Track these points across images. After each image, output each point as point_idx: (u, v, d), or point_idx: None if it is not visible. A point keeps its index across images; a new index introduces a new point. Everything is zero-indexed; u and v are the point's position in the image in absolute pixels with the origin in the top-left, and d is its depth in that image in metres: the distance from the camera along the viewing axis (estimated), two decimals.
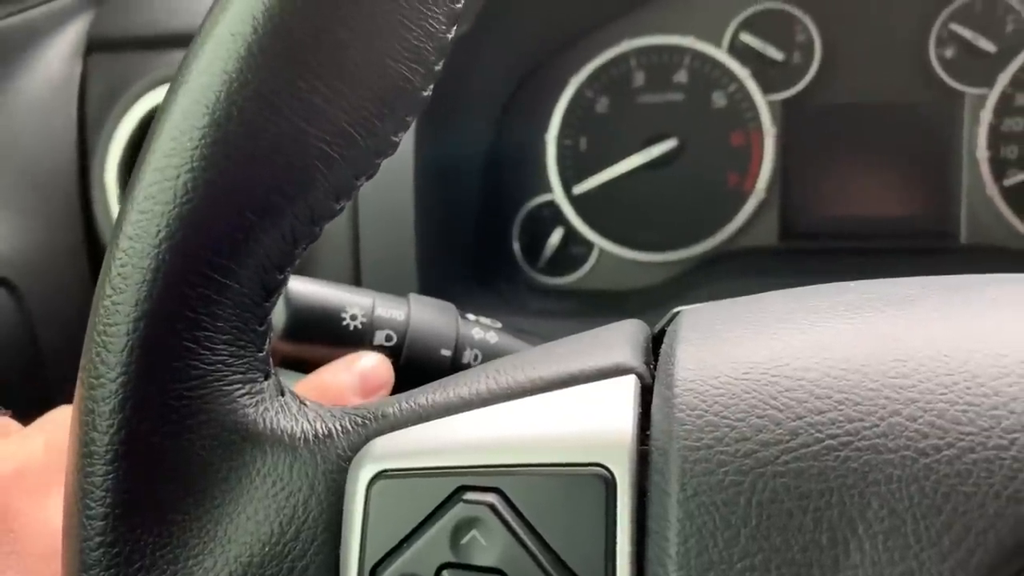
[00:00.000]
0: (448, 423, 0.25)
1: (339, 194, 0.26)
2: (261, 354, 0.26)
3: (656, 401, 0.24)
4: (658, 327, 0.29)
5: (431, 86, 0.26)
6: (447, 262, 0.71)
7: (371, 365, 0.39)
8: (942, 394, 0.21)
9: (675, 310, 0.29)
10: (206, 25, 0.25)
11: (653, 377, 0.25)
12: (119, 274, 0.25)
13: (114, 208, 0.67)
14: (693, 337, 0.25)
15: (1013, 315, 0.24)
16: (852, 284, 0.28)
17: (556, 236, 0.77)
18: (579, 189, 0.76)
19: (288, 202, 0.25)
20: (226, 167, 0.24)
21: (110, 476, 0.24)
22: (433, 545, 0.23)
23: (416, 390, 0.27)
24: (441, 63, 0.26)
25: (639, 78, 0.76)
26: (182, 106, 0.25)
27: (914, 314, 0.24)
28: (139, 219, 0.25)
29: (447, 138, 0.71)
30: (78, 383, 0.25)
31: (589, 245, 0.76)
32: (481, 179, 0.77)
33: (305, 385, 0.38)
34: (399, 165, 0.64)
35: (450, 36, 0.26)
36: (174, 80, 0.25)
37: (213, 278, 0.25)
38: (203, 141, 0.24)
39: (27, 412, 0.40)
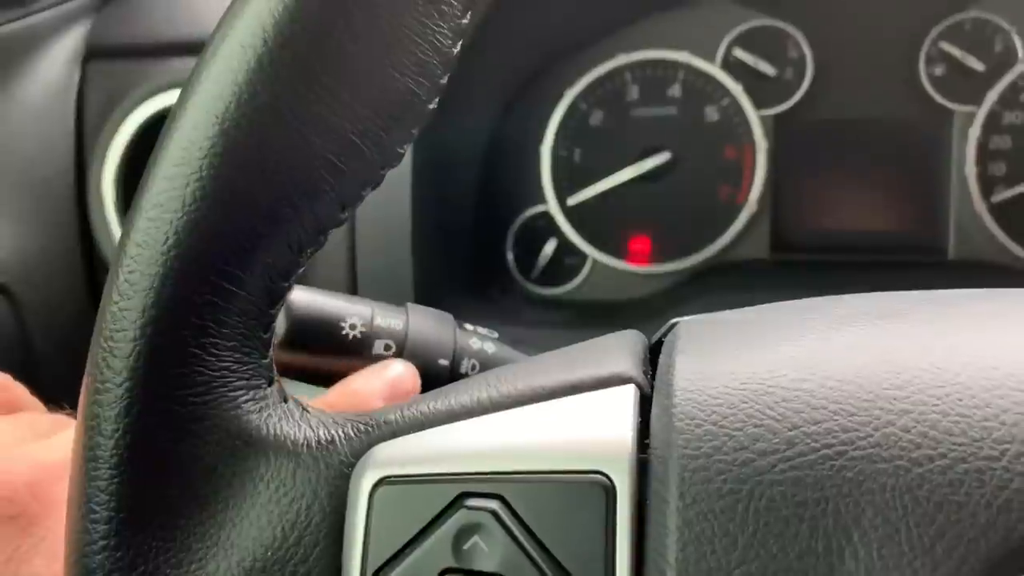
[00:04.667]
0: (450, 430, 0.25)
1: (345, 204, 0.26)
2: (265, 361, 0.27)
3: (655, 410, 0.24)
4: (655, 337, 0.29)
5: (436, 99, 0.27)
6: (442, 272, 0.71)
7: (398, 373, 0.40)
8: (935, 405, 0.22)
9: (672, 321, 0.29)
10: (217, 36, 0.25)
11: (652, 387, 0.26)
12: (127, 280, 0.25)
13: (111, 216, 0.67)
14: (691, 348, 0.26)
15: (1004, 329, 0.24)
16: (847, 297, 0.29)
17: (550, 247, 0.77)
18: (573, 200, 0.76)
19: (295, 212, 0.25)
20: (235, 177, 0.24)
21: (115, 480, 0.24)
22: (435, 551, 0.24)
23: (417, 397, 0.27)
24: (446, 77, 0.26)
25: (633, 92, 0.76)
26: (192, 115, 0.25)
27: (907, 327, 0.25)
28: (147, 226, 0.25)
29: (443, 149, 0.71)
30: (83, 388, 0.25)
31: (582, 256, 0.77)
32: (476, 190, 0.77)
33: (336, 391, 0.39)
34: (396, 177, 0.64)
35: (456, 51, 0.26)
36: (184, 89, 0.26)
37: (220, 285, 0.25)
38: (212, 151, 0.24)
39: None
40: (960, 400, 0.22)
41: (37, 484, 0.33)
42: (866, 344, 0.24)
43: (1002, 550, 0.20)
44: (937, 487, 0.21)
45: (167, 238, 0.24)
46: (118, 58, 0.68)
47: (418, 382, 0.40)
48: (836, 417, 0.22)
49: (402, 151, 0.27)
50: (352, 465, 0.25)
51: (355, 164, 0.26)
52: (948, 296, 0.27)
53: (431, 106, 0.26)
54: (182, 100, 0.25)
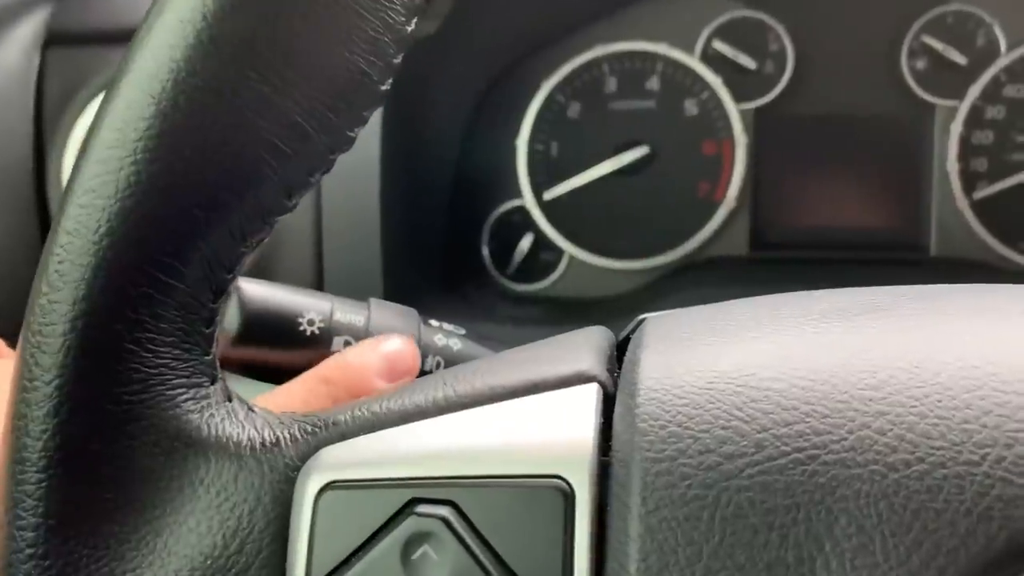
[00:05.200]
0: (401, 432, 0.24)
1: (291, 191, 0.25)
2: (207, 357, 0.25)
3: (619, 410, 0.23)
4: (623, 334, 0.28)
5: (390, 80, 0.25)
6: (414, 267, 0.70)
7: (397, 348, 0.37)
8: (912, 407, 0.21)
9: (641, 317, 0.28)
10: (153, 11, 0.24)
11: (617, 386, 0.24)
12: (56, 271, 0.23)
13: None
14: (658, 345, 0.25)
15: (984, 326, 0.23)
16: (820, 293, 0.28)
17: (526, 242, 0.76)
18: (550, 195, 0.75)
19: (237, 198, 0.24)
20: (172, 160, 0.23)
21: (43, 484, 0.23)
22: (382, 560, 0.22)
23: (370, 397, 0.26)
24: (400, 56, 0.25)
25: (611, 84, 0.75)
26: (126, 95, 0.23)
27: (884, 324, 0.24)
28: (79, 213, 0.23)
29: (416, 140, 0.70)
30: (11, 385, 0.24)
31: (559, 252, 0.76)
32: (450, 183, 0.76)
33: (330, 364, 0.36)
34: (365, 167, 0.63)
35: (410, 28, 0.25)
36: (119, 68, 0.24)
37: (156, 277, 0.24)
38: (148, 132, 0.23)
39: None
40: (939, 401, 0.21)
41: None
42: (841, 341, 0.23)
43: (982, 560, 0.19)
44: (914, 494, 0.20)
45: (99, 226, 0.23)
46: (79, 44, 0.66)
47: (418, 360, 0.38)
48: (808, 419, 0.21)
49: (353, 135, 0.25)
50: (298, 468, 0.24)
51: (301, 148, 0.24)
52: (928, 291, 0.26)
53: (384, 87, 0.25)
54: (117, 78, 0.24)
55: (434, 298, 0.70)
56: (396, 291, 0.64)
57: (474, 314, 0.71)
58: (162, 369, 0.24)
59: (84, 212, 0.23)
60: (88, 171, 0.24)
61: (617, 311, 0.71)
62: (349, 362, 0.36)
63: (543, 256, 0.76)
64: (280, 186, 0.24)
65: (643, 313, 0.28)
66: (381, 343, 0.37)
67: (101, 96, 0.65)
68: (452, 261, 0.76)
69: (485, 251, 0.77)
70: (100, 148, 0.23)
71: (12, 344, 0.41)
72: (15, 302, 0.64)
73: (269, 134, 0.24)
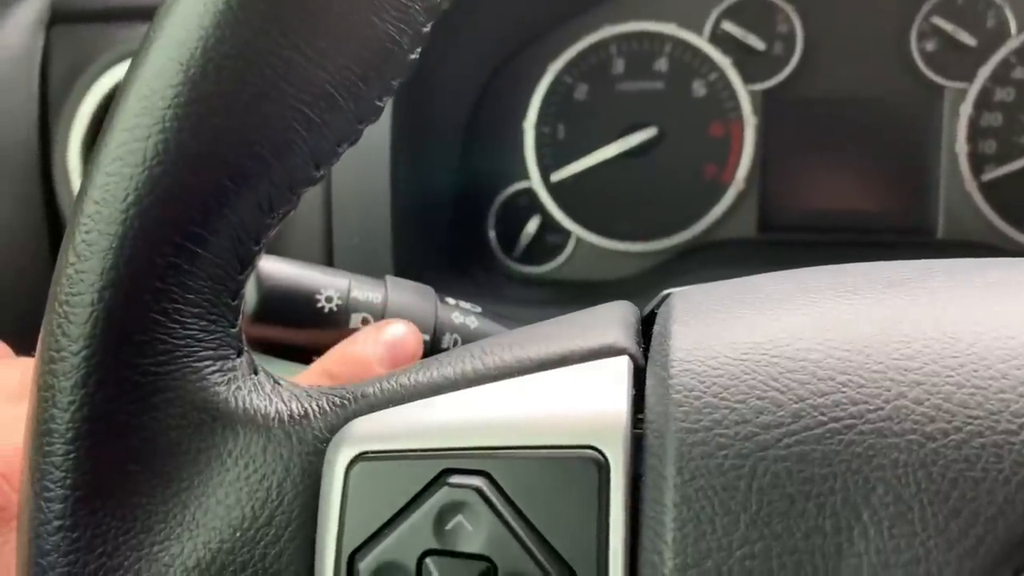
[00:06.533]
0: (432, 403, 0.24)
1: (319, 161, 0.25)
2: (234, 330, 0.25)
3: (650, 382, 0.23)
4: (647, 309, 0.28)
5: (419, 49, 0.25)
6: (422, 249, 0.70)
7: (399, 335, 0.37)
8: (949, 376, 0.21)
9: (665, 292, 0.28)
10: None
11: (646, 359, 0.24)
12: (84, 240, 0.23)
13: (76, 186, 0.65)
14: (688, 317, 0.25)
15: (1017, 297, 0.23)
16: (848, 266, 0.27)
17: (533, 224, 0.76)
18: (557, 177, 0.75)
19: (265, 167, 0.24)
20: (200, 128, 0.23)
21: (70, 456, 0.23)
22: (416, 531, 0.22)
23: (398, 370, 0.26)
24: (430, 25, 0.25)
25: (619, 65, 0.75)
26: (154, 63, 0.23)
27: (918, 295, 0.24)
28: (106, 182, 0.23)
29: (424, 122, 0.69)
30: (36, 357, 0.24)
31: (566, 234, 0.75)
32: (458, 165, 0.76)
33: (333, 357, 0.36)
34: (375, 149, 0.62)
35: None
36: (146, 36, 0.24)
37: (184, 246, 0.23)
38: (176, 100, 0.23)
39: None
40: (975, 371, 0.21)
41: (16, 474, 0.31)
42: (874, 312, 0.23)
43: (1021, 529, 0.19)
44: (952, 463, 0.20)
45: (127, 195, 0.23)
46: (84, 22, 0.66)
47: (419, 345, 0.38)
48: (845, 389, 0.21)
49: (381, 104, 0.25)
50: (327, 440, 0.24)
51: (330, 117, 0.24)
52: (959, 264, 0.26)
53: (412, 56, 0.25)
54: (144, 46, 0.24)
55: (441, 280, 0.70)
56: (405, 273, 0.63)
57: (481, 296, 0.70)
58: (188, 340, 0.24)
59: (112, 181, 0.23)
60: (116, 139, 0.23)
61: (624, 293, 0.70)
62: (352, 353, 0.36)
63: (550, 238, 0.76)
64: (308, 156, 0.24)
65: (651, 295, 0.28)
66: (382, 330, 0.37)
67: (107, 75, 0.65)
68: (459, 243, 0.76)
69: (492, 233, 0.77)
70: (128, 116, 0.23)
71: (12, 343, 0.41)
72: (20, 283, 0.64)
73: (298, 103, 0.23)
